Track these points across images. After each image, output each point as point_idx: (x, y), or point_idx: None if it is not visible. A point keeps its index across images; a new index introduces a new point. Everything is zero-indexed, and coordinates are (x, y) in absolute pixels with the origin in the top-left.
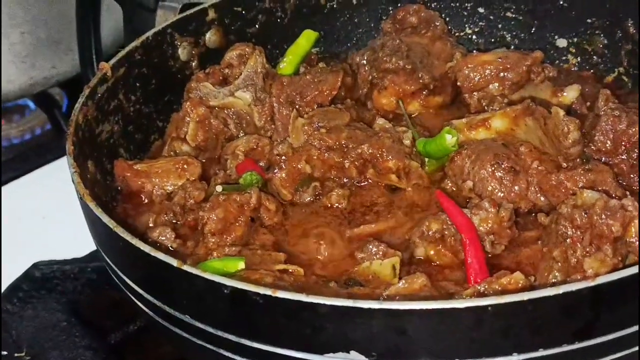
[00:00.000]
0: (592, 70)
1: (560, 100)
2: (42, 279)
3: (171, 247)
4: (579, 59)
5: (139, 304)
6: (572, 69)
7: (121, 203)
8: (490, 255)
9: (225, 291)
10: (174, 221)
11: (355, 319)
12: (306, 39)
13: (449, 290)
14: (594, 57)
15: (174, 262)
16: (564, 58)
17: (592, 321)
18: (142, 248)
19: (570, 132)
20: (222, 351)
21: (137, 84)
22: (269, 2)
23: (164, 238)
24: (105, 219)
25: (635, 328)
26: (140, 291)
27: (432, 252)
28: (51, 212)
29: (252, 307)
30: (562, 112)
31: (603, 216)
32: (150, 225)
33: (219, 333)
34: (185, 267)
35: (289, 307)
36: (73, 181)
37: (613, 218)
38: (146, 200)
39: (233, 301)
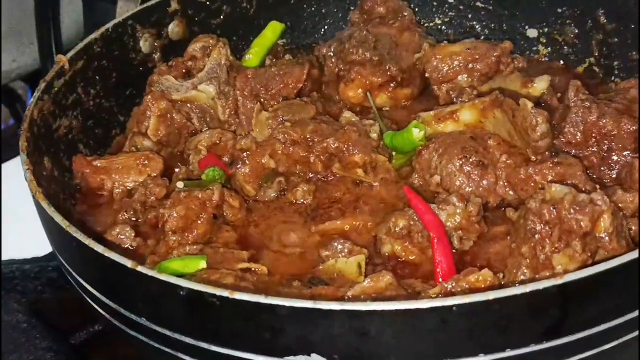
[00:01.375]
0: (562, 61)
1: (530, 91)
2: (2, 278)
3: (131, 246)
4: (549, 50)
5: (95, 306)
6: (543, 60)
7: (80, 201)
8: (458, 251)
9: (181, 293)
10: (134, 219)
11: (316, 320)
12: (272, 30)
13: (416, 288)
14: (565, 47)
15: (129, 263)
16: (534, 48)
17: (560, 320)
18: (95, 248)
19: (539, 124)
20: (180, 354)
21: (97, 77)
22: None
23: (123, 237)
24: (58, 217)
25: (604, 326)
26: (96, 293)
27: (398, 249)
28: (13, 210)
29: (209, 309)
30: (530, 104)
31: (572, 211)
32: (109, 223)
33: (176, 336)
34: (140, 268)
35: (247, 309)
36: (26, 178)
37: (582, 213)
38: (106, 198)
39: (189, 303)
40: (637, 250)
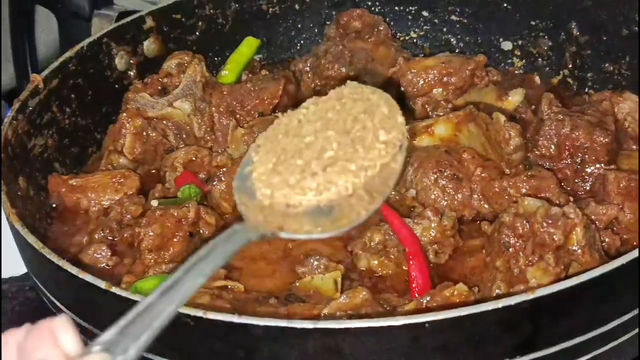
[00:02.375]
0: (537, 73)
1: (504, 104)
2: None
3: (107, 265)
4: (524, 62)
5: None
6: (518, 72)
7: (57, 220)
8: (433, 265)
9: None
10: (110, 238)
11: (290, 339)
12: (248, 46)
13: (392, 302)
14: (539, 59)
15: (102, 284)
16: (509, 61)
17: (533, 334)
18: (69, 269)
19: (512, 138)
20: None
21: (72, 96)
22: (209, 9)
23: (99, 256)
24: (32, 239)
25: (578, 339)
26: (71, 315)
27: (375, 263)
28: None
29: (184, 330)
30: (503, 118)
31: (544, 224)
32: (85, 242)
33: (151, 356)
34: (114, 289)
35: (221, 329)
36: None
37: (554, 226)
38: (82, 217)
39: None
40: (608, 264)
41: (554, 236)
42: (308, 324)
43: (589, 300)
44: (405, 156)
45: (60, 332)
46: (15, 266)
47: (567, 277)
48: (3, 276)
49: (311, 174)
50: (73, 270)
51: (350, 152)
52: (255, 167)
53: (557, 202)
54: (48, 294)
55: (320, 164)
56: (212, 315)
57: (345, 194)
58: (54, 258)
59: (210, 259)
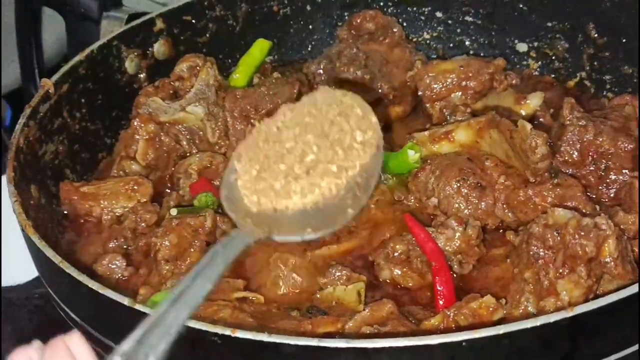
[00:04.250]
0: (553, 75)
1: (523, 108)
2: None
3: (122, 275)
4: (540, 64)
5: (88, 342)
6: (533, 74)
7: (69, 228)
8: (457, 275)
9: None
10: (124, 247)
11: (322, 358)
12: (259, 48)
13: (416, 315)
14: (555, 61)
15: (125, 301)
16: (524, 63)
17: (571, 351)
18: (90, 285)
19: (539, 146)
20: None
21: (83, 100)
22: (219, 11)
23: (114, 266)
24: (50, 252)
25: (614, 357)
26: (89, 329)
27: (398, 274)
28: None
29: (210, 348)
30: (529, 126)
31: (576, 236)
32: (99, 252)
33: None
34: (138, 306)
35: (250, 348)
36: (14, 211)
37: (587, 238)
38: (94, 225)
39: (189, 341)
40: None
41: (587, 248)
42: (341, 343)
43: (628, 317)
44: (382, 155)
45: (75, 347)
46: (22, 273)
47: (598, 290)
48: (10, 283)
49: (295, 177)
50: (94, 285)
51: (331, 154)
52: (240, 175)
53: (584, 211)
54: (64, 307)
55: (303, 167)
56: (240, 334)
57: (329, 195)
58: (74, 273)
59: (214, 265)
